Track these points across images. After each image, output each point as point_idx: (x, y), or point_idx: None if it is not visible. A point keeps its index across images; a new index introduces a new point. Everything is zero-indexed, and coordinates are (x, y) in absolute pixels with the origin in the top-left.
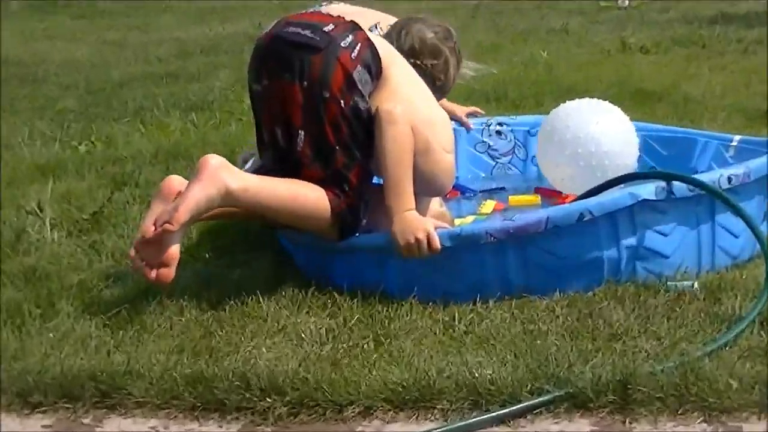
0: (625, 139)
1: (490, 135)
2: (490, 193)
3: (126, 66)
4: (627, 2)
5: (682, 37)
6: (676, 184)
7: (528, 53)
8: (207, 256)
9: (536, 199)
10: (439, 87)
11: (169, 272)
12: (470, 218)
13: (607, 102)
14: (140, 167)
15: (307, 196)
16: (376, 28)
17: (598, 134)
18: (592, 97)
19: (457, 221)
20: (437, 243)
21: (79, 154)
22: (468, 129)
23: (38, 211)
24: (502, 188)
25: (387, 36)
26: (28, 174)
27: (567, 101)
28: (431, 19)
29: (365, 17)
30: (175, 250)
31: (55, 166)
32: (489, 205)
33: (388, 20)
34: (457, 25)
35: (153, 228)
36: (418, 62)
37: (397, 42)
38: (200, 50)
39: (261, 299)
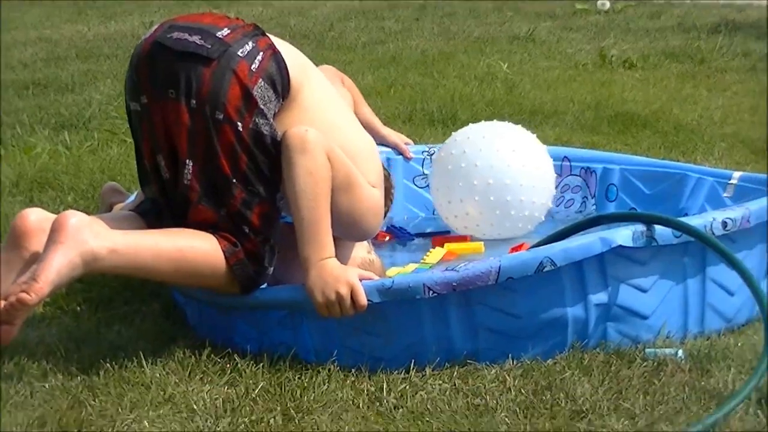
0: (539, 175)
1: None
2: (429, 237)
3: None
4: (608, 4)
5: (676, 50)
6: (658, 228)
7: (484, 66)
8: (79, 308)
9: (479, 246)
10: None
11: (11, 330)
12: (411, 267)
13: (517, 126)
14: None
15: (194, 250)
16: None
17: (501, 162)
18: (563, 120)
19: (393, 271)
20: (363, 298)
21: None
22: (407, 158)
23: None
24: (447, 232)
25: None
26: None
27: (479, 123)
28: None
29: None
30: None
31: None
32: (437, 254)
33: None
34: (397, 29)
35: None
36: None
37: None
38: (76, 54)
39: (144, 362)
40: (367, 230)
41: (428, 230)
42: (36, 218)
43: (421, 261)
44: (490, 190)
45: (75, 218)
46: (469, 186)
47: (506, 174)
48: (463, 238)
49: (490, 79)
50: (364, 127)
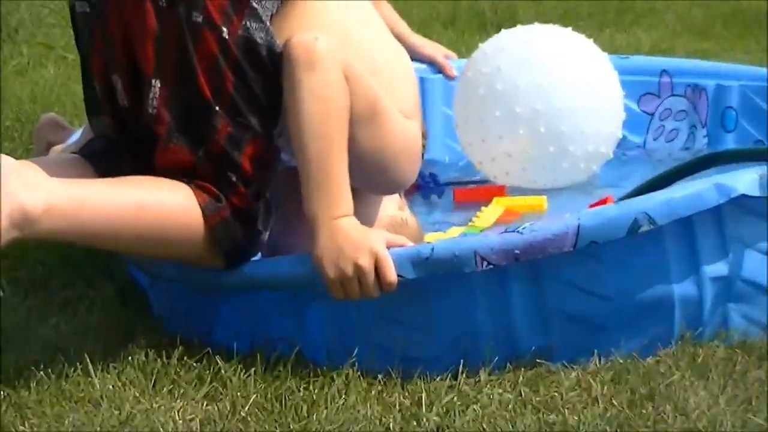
0: (603, 94)
1: None
2: (480, 186)
3: None
4: None
5: None
6: None
7: None
8: (1, 292)
9: (540, 201)
10: None
11: None
12: (455, 231)
13: (566, 29)
14: None
15: (161, 206)
16: None
17: (553, 83)
18: (661, 21)
19: (432, 236)
20: (392, 273)
21: None
22: (448, 76)
23: None
24: (476, 181)
25: None
26: None
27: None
28: None
29: None
30: None
31: None
32: (491, 213)
33: None
34: None
35: None
36: None
37: None
38: None
39: (92, 369)
40: (398, 178)
41: (447, 179)
42: None
43: (470, 223)
44: (538, 118)
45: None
46: (509, 116)
47: (559, 95)
48: (498, 190)
49: None
50: None
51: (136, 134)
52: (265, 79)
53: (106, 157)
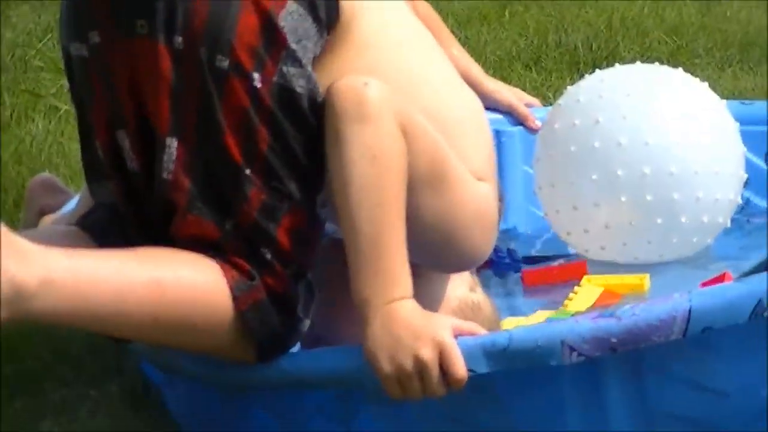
0: (723, 154)
1: None
2: (568, 260)
3: None
4: None
5: None
6: None
7: None
8: None
9: (641, 281)
10: None
11: None
12: (542, 316)
13: (678, 70)
14: None
15: (182, 285)
16: None
17: (664, 141)
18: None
19: (511, 322)
20: (460, 367)
21: None
22: (530, 129)
23: None
24: (559, 255)
25: None
26: None
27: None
28: None
29: None
30: None
31: None
32: (588, 295)
33: None
34: None
35: None
36: None
37: None
38: None
39: None
40: (469, 253)
41: (528, 255)
42: None
43: (561, 307)
44: (645, 184)
45: None
46: (609, 179)
47: (672, 156)
48: (576, 268)
49: None
50: None
51: (148, 203)
52: (307, 136)
53: (111, 230)
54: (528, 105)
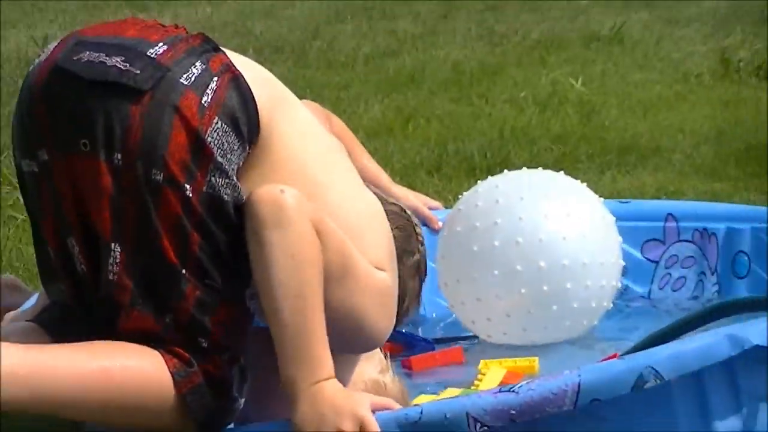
0: (606, 245)
1: None
2: (468, 343)
3: None
4: None
5: None
6: None
7: (548, 83)
8: None
9: (532, 363)
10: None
11: None
12: (451, 393)
13: (558, 174)
14: None
15: (128, 373)
16: None
17: (554, 233)
18: (668, 161)
19: (423, 398)
20: None
21: None
22: (433, 230)
23: None
24: (449, 338)
25: None
26: None
27: (507, 174)
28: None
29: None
30: None
31: None
32: (494, 376)
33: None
34: (416, 32)
35: None
36: None
37: None
38: None
39: None
40: (375, 335)
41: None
42: None
43: (472, 386)
44: (542, 276)
45: None
46: (509, 275)
47: (563, 251)
48: (454, 354)
49: (557, 103)
50: (367, 186)
51: (96, 301)
52: (234, 238)
53: (64, 325)
54: (431, 208)
